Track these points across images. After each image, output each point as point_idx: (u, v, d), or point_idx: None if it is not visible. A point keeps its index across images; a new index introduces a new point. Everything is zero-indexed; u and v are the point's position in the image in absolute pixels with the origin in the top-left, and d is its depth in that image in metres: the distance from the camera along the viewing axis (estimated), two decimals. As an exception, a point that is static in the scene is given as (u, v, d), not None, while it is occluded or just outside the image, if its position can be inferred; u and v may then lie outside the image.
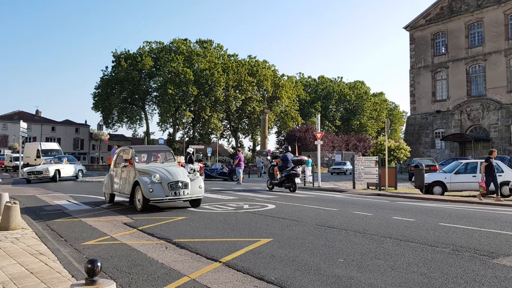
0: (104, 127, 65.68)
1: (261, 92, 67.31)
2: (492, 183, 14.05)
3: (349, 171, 37.35)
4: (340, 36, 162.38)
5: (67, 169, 24.27)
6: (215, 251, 5.96)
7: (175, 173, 10.47)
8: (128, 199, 11.32)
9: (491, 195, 14.34)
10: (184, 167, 14.36)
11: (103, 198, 13.93)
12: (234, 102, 65.05)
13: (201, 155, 39.71)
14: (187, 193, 10.39)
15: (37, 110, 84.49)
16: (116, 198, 12.56)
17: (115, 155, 12.68)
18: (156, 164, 11.73)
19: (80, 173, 25.25)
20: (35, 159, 29.64)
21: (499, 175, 15.85)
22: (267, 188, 18.34)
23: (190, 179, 10.58)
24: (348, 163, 39.83)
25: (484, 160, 14.53)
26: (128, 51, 65.79)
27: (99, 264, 3.08)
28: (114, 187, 12.04)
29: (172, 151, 12.82)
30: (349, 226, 8.01)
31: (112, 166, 12.90)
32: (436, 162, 28.15)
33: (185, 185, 10.35)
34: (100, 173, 34.29)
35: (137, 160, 11.26)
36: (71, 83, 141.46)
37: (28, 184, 21.31)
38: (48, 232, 7.65)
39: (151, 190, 9.88)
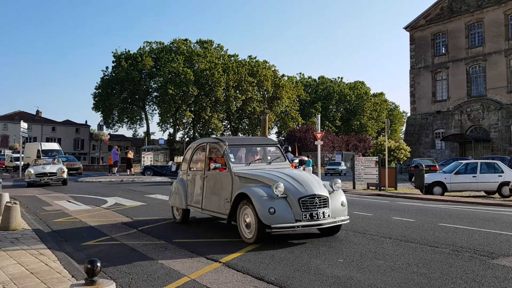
0: (104, 127, 65.80)
1: (261, 93, 67.32)
2: None
3: (343, 171, 37.72)
4: (340, 36, 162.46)
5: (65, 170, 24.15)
6: (215, 251, 5.96)
7: (306, 181, 6.58)
8: (223, 218, 7.42)
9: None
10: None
11: (103, 198, 13.88)
12: (234, 102, 65.03)
13: None
14: (328, 215, 6.45)
15: (37, 110, 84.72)
16: (195, 214, 9.12)
17: (190, 151, 8.77)
18: (259, 165, 7.61)
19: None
20: (36, 160, 29.59)
21: (499, 176, 15.89)
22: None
23: (328, 191, 6.76)
24: (343, 163, 40.02)
25: None
26: (129, 51, 65.87)
27: (98, 264, 3.08)
28: (191, 199, 8.16)
29: (279, 145, 8.49)
30: (349, 226, 8.00)
31: (183, 167, 8.90)
32: (436, 163, 28.14)
33: (324, 202, 6.48)
34: (100, 173, 34.29)
35: (232, 160, 7.41)
36: (72, 83, 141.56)
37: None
38: (48, 232, 7.66)
39: (271, 210, 6.10)
